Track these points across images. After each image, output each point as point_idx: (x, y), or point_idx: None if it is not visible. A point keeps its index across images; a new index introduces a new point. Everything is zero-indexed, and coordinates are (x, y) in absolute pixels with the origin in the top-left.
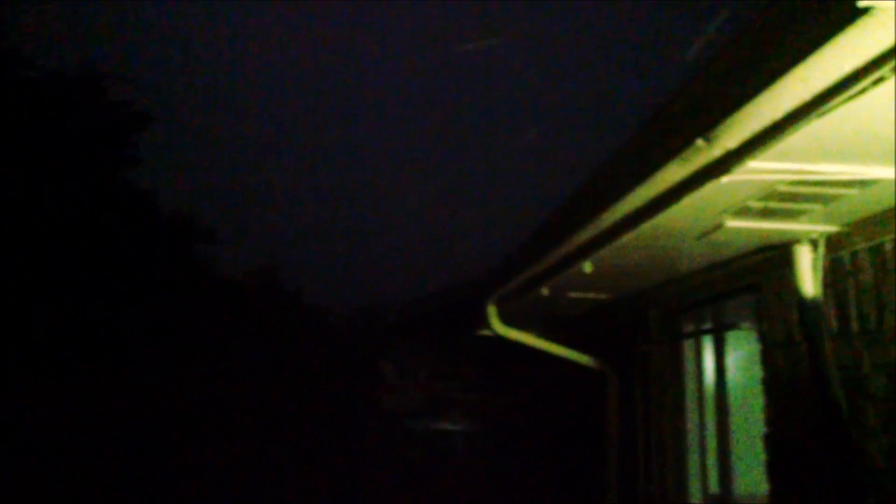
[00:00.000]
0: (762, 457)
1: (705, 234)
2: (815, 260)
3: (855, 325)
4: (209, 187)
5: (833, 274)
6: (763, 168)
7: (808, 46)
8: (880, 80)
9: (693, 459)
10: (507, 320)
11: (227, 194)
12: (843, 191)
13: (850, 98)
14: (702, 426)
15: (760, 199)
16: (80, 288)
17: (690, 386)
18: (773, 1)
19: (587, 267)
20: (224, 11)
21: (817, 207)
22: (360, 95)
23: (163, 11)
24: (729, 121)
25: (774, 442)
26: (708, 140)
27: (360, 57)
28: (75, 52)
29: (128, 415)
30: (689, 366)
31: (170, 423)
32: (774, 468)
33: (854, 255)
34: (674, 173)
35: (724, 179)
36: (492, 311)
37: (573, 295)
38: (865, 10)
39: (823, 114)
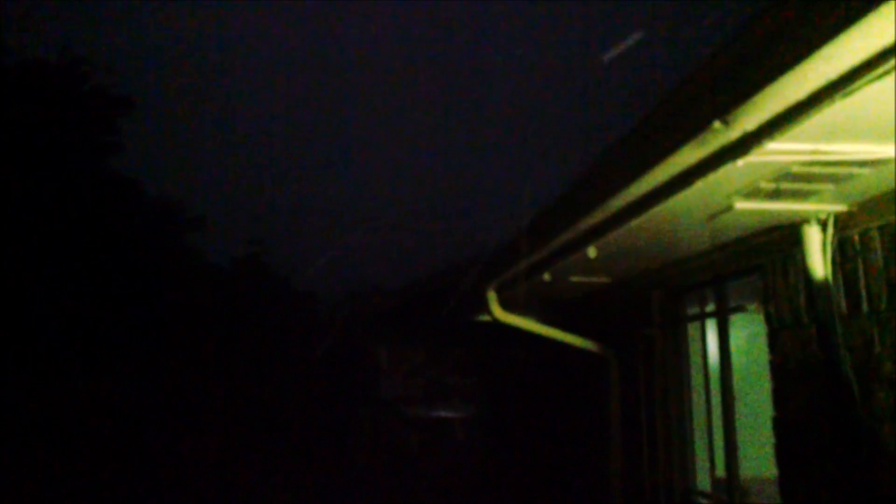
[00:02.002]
0: (769, 440)
1: (714, 216)
2: (824, 240)
3: (865, 306)
4: (194, 171)
5: (842, 254)
6: (780, 149)
7: (836, 25)
8: None
9: (699, 444)
10: (507, 305)
11: (214, 178)
12: (856, 170)
13: (878, 78)
14: (707, 410)
15: (772, 180)
16: (65, 281)
17: (695, 369)
18: None
19: (591, 252)
20: None
21: (828, 187)
22: (350, 75)
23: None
24: (749, 102)
25: (783, 425)
26: (726, 122)
27: (348, 38)
28: (54, 39)
29: (116, 407)
30: (694, 349)
31: (160, 416)
32: (783, 452)
33: (864, 234)
34: (688, 156)
35: (741, 162)
36: (492, 297)
37: (574, 279)
38: None
39: (848, 94)
